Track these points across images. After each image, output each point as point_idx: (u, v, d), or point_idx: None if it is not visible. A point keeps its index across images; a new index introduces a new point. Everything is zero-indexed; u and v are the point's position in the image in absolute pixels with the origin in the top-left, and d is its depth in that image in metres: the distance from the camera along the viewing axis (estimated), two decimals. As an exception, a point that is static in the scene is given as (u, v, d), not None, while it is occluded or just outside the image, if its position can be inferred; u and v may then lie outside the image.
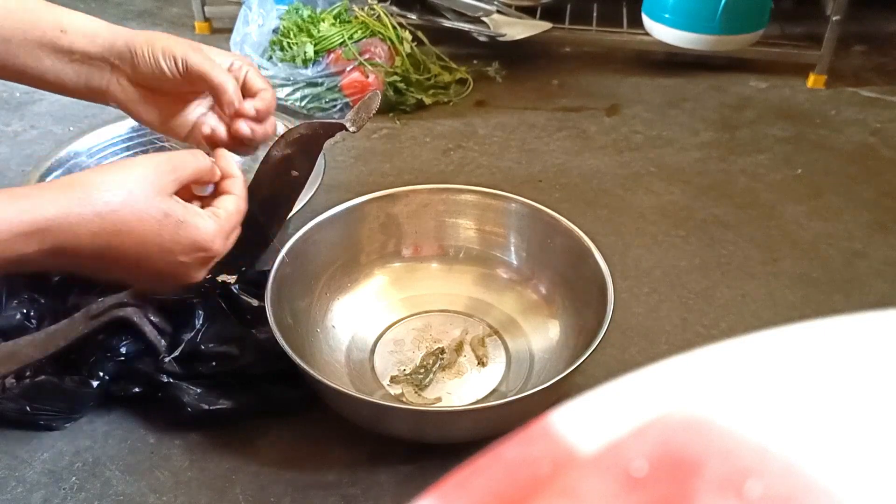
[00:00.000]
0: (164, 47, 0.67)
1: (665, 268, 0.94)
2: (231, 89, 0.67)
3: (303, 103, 1.20)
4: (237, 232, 0.65)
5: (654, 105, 1.30)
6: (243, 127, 0.68)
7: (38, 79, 0.69)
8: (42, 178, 0.90)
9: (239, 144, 0.69)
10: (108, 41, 0.68)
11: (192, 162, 0.62)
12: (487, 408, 0.68)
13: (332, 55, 1.20)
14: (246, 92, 0.70)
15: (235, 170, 0.66)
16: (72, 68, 0.69)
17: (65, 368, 0.72)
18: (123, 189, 0.56)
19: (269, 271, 0.74)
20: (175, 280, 0.62)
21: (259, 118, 0.69)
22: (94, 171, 0.59)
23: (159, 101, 0.70)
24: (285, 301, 0.74)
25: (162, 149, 1.01)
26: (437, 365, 0.77)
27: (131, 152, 1.00)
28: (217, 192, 0.64)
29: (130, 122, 0.97)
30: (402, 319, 0.83)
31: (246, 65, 0.71)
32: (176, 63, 0.67)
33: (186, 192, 0.62)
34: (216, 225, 0.61)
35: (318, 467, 0.70)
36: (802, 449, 0.17)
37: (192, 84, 0.68)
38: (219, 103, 0.69)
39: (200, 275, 0.63)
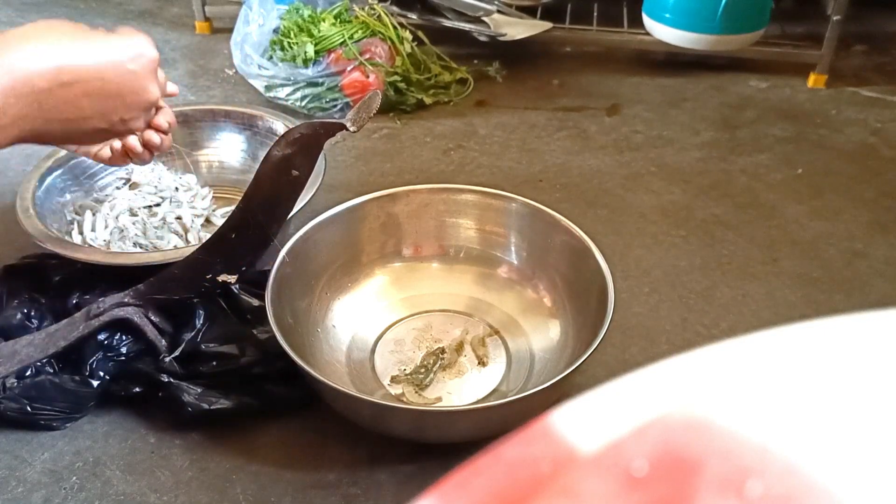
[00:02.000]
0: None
1: (665, 267, 0.94)
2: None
3: (303, 103, 1.20)
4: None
5: (655, 105, 1.30)
6: (154, 137, 0.69)
7: None
8: (42, 178, 0.90)
9: (139, 155, 0.71)
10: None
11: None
12: (488, 408, 0.68)
13: (333, 55, 1.20)
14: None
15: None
16: None
17: (65, 368, 0.72)
18: (46, 26, 0.59)
19: (269, 271, 0.74)
20: (137, 98, 0.63)
21: (166, 130, 0.71)
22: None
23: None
24: (286, 301, 0.74)
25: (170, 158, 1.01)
26: (437, 365, 0.77)
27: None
28: None
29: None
30: (403, 319, 0.83)
31: None
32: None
33: None
34: (140, 33, 0.63)
35: (318, 467, 0.70)
36: (803, 449, 0.17)
37: None
38: None
39: (155, 88, 0.64)
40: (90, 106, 0.61)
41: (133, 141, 0.70)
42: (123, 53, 0.61)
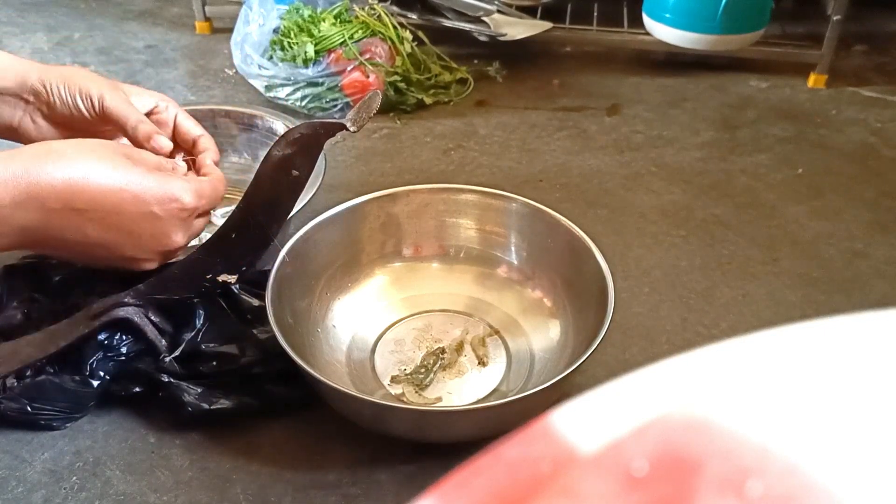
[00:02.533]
0: (81, 86, 0.66)
1: (665, 267, 0.94)
2: (141, 134, 0.67)
3: (303, 103, 1.20)
4: (206, 215, 0.65)
5: (655, 105, 1.30)
6: (161, 140, 0.69)
7: None
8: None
9: None
10: (20, 76, 0.67)
11: (153, 156, 0.64)
12: (488, 407, 0.68)
13: (333, 55, 1.20)
14: (179, 137, 0.71)
15: (213, 167, 0.68)
16: None
17: (65, 368, 0.72)
18: (89, 145, 0.58)
19: (269, 271, 0.74)
20: (155, 241, 0.61)
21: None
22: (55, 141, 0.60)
23: (76, 137, 0.69)
24: (286, 301, 0.74)
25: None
26: (437, 365, 0.77)
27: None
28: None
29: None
30: (403, 319, 0.83)
31: (173, 106, 0.71)
32: (92, 102, 0.66)
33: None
34: (184, 180, 0.62)
35: (318, 467, 0.70)
36: (803, 449, 0.17)
37: (108, 123, 0.68)
38: (134, 144, 0.69)
39: (180, 237, 0.62)
40: (97, 235, 0.59)
41: None
42: (153, 194, 0.59)
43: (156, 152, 0.67)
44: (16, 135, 0.70)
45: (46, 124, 0.68)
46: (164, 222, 0.60)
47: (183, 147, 0.72)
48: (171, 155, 0.71)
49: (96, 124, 0.68)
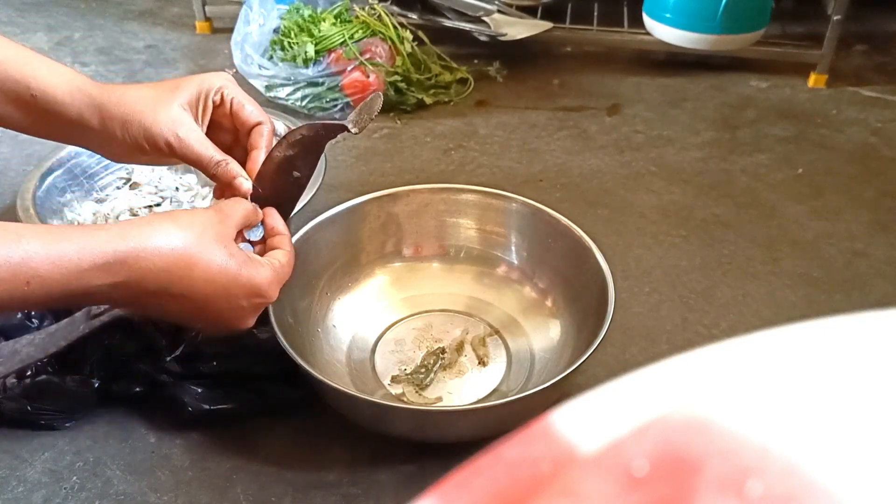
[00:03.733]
0: (146, 134, 0.65)
1: (666, 267, 0.94)
2: (221, 178, 0.67)
3: (303, 103, 1.20)
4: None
5: (655, 105, 1.30)
6: (245, 184, 0.68)
7: (14, 126, 0.69)
8: (43, 178, 0.90)
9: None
10: (80, 117, 0.66)
11: (239, 208, 0.65)
12: (488, 407, 0.68)
13: (333, 55, 1.20)
14: (236, 122, 0.70)
15: (283, 227, 0.69)
16: (47, 129, 0.69)
17: (65, 368, 0.72)
18: (193, 231, 0.59)
19: (269, 271, 0.74)
20: (230, 323, 0.63)
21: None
22: (162, 214, 0.61)
23: (153, 159, 0.70)
24: (286, 301, 0.74)
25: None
26: (437, 364, 0.77)
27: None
28: (268, 247, 0.68)
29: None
30: (403, 319, 0.83)
31: (228, 91, 0.69)
32: (159, 147, 0.66)
33: (237, 237, 0.65)
34: (273, 272, 0.63)
35: (318, 467, 0.70)
36: (803, 449, 0.17)
37: (183, 161, 0.68)
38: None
39: (252, 321, 0.65)
40: (177, 311, 0.61)
41: None
42: (244, 290, 0.61)
43: (237, 194, 0.68)
44: (91, 149, 0.71)
45: (116, 149, 0.68)
46: (244, 311, 0.63)
47: (243, 133, 0.71)
48: (233, 146, 0.71)
49: (171, 159, 0.68)
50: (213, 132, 0.70)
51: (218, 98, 0.69)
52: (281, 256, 0.66)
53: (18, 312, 0.76)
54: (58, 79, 0.67)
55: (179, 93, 0.67)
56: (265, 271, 0.63)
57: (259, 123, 0.70)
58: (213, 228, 0.61)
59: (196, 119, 0.68)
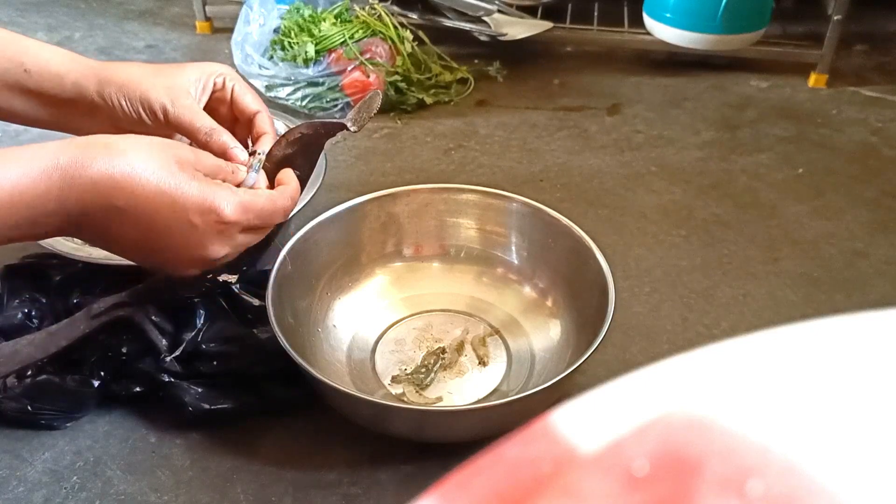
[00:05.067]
0: (142, 97, 0.63)
1: (666, 267, 0.94)
2: (215, 147, 0.64)
3: (304, 103, 1.20)
4: (259, 229, 0.62)
5: (655, 104, 1.30)
6: (240, 154, 0.66)
7: (11, 116, 0.67)
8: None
9: None
10: (77, 86, 0.64)
11: (212, 160, 0.61)
12: (488, 407, 0.68)
13: (333, 55, 1.20)
14: (237, 111, 0.69)
15: (291, 180, 0.65)
16: (45, 111, 0.67)
17: (66, 368, 0.72)
18: (141, 146, 0.56)
19: (270, 271, 0.74)
20: (192, 253, 0.59)
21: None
22: (113, 135, 0.58)
23: (146, 130, 0.67)
24: (286, 301, 0.74)
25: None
26: (438, 364, 0.77)
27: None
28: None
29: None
30: (403, 319, 0.83)
31: (230, 79, 0.68)
32: (156, 115, 0.64)
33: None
34: (233, 193, 0.58)
35: (319, 467, 0.70)
36: (804, 449, 0.17)
37: (177, 129, 0.65)
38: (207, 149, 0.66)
39: (219, 248, 0.59)
40: (135, 235, 0.57)
41: None
42: (193, 202, 0.56)
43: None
44: (86, 134, 0.69)
45: (113, 128, 0.65)
46: (200, 232, 0.57)
47: (241, 122, 0.69)
48: (243, 142, 0.68)
49: (166, 131, 0.65)
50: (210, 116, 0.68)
51: (220, 82, 0.67)
52: (260, 193, 0.61)
53: (19, 312, 0.76)
54: (52, 52, 0.65)
55: (181, 71, 0.67)
56: (221, 187, 0.58)
57: (259, 112, 0.69)
58: (168, 148, 0.57)
59: (195, 95, 0.66)
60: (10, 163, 0.53)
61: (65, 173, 0.54)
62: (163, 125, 0.65)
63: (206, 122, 0.65)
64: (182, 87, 0.65)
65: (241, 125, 0.70)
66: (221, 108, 0.70)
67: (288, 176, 0.66)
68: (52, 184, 0.53)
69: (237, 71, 1.23)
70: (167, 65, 0.68)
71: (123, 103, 0.64)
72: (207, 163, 0.60)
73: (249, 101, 0.68)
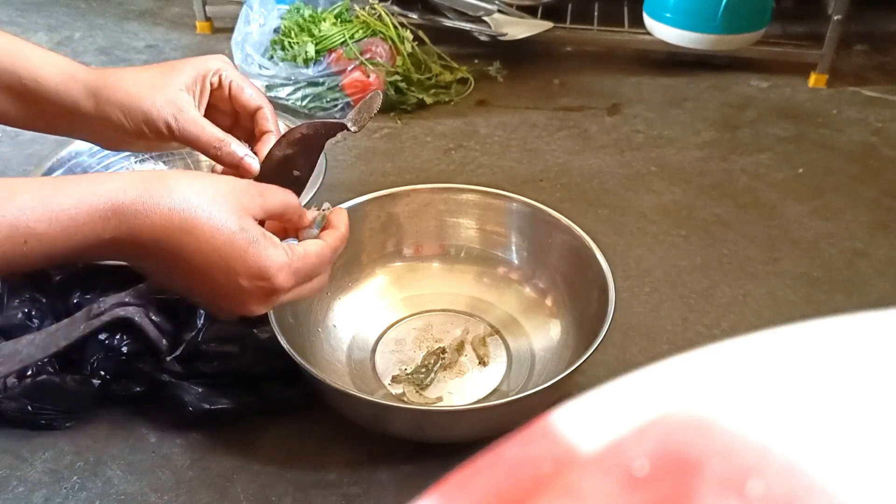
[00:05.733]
0: (145, 117, 0.62)
1: (666, 267, 0.94)
2: (226, 160, 0.64)
3: (304, 103, 1.20)
4: (312, 281, 0.61)
5: (656, 104, 1.30)
6: (253, 164, 0.65)
7: (7, 120, 0.66)
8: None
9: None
10: (75, 104, 0.63)
11: (281, 195, 0.60)
12: (488, 407, 0.68)
13: (334, 55, 1.20)
14: (237, 104, 0.68)
15: (342, 224, 0.64)
16: (42, 121, 0.66)
17: (66, 368, 0.72)
18: (206, 193, 0.55)
19: (270, 271, 0.74)
20: (232, 305, 0.58)
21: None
22: (178, 171, 0.57)
23: (150, 145, 0.67)
24: (286, 300, 0.74)
25: (172, 158, 1.00)
26: (438, 364, 0.77)
27: (137, 158, 0.99)
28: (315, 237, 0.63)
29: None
30: (404, 319, 0.83)
31: (227, 75, 0.67)
32: (159, 132, 0.63)
33: (281, 233, 0.61)
34: (286, 257, 0.57)
35: (319, 467, 0.70)
36: (804, 449, 0.17)
37: (184, 143, 0.65)
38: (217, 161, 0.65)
39: (259, 308, 0.59)
40: (168, 275, 0.57)
41: None
42: (245, 265, 0.55)
43: (245, 175, 0.64)
44: (86, 140, 0.68)
45: (115, 136, 0.64)
46: (246, 294, 0.57)
47: (244, 116, 0.68)
48: (232, 130, 0.67)
49: (170, 143, 0.65)
50: (211, 115, 0.66)
51: (216, 80, 0.66)
52: (310, 246, 0.60)
53: (19, 312, 0.76)
54: (49, 68, 0.64)
55: (177, 74, 0.65)
56: (277, 253, 0.56)
57: (260, 107, 0.68)
58: (232, 196, 0.56)
59: (194, 101, 0.65)
60: (71, 193, 0.52)
61: (127, 209, 0.53)
62: (167, 139, 0.64)
63: (213, 134, 0.64)
64: (182, 97, 0.64)
65: (243, 119, 0.69)
66: (222, 104, 0.69)
67: (339, 219, 0.64)
68: (103, 226, 0.53)
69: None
70: (162, 65, 0.66)
71: (125, 121, 0.63)
72: (274, 203, 0.59)
73: (249, 96, 0.68)
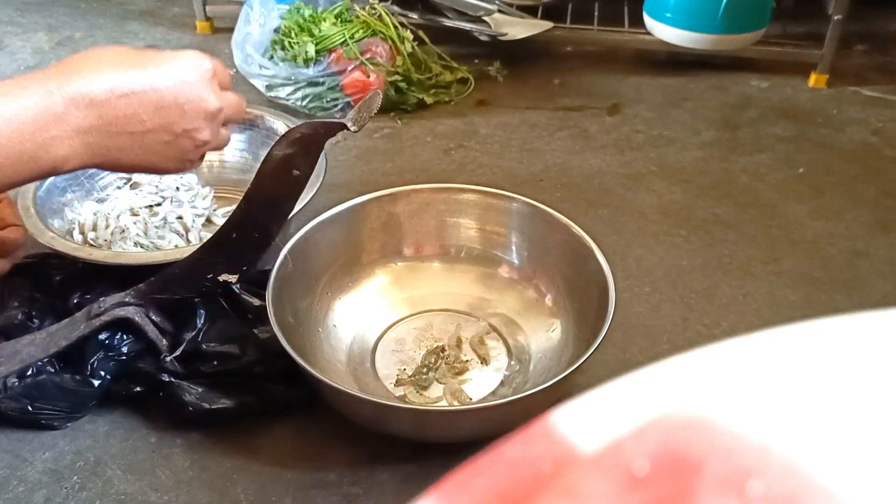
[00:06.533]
0: None
1: (666, 267, 0.94)
2: None
3: (304, 103, 1.20)
4: (231, 112, 0.68)
5: (656, 104, 1.30)
6: None
7: None
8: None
9: None
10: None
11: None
12: (488, 407, 0.68)
13: (334, 54, 1.20)
14: None
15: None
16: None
17: (66, 368, 0.72)
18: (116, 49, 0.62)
19: (270, 271, 0.74)
20: (193, 104, 0.63)
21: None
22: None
23: None
24: (287, 300, 0.74)
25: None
26: (438, 364, 0.77)
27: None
28: None
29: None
30: (404, 319, 0.83)
31: None
32: None
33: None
34: (187, 50, 0.65)
35: (319, 467, 0.70)
36: (804, 449, 0.17)
37: None
38: None
39: (212, 97, 0.64)
40: (150, 119, 0.62)
41: None
42: (176, 65, 0.63)
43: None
44: None
45: None
46: (193, 85, 0.63)
47: None
48: None
49: None
50: None
51: None
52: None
53: (19, 312, 0.76)
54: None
55: None
56: (182, 51, 0.65)
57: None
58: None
59: None
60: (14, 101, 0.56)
61: (63, 90, 0.57)
62: None
63: None
64: None
65: None
66: None
67: None
68: (54, 102, 0.57)
69: (237, 71, 1.23)
70: None
71: None
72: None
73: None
